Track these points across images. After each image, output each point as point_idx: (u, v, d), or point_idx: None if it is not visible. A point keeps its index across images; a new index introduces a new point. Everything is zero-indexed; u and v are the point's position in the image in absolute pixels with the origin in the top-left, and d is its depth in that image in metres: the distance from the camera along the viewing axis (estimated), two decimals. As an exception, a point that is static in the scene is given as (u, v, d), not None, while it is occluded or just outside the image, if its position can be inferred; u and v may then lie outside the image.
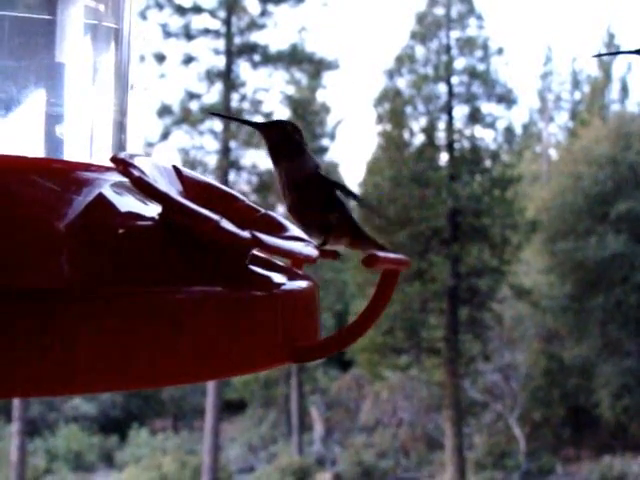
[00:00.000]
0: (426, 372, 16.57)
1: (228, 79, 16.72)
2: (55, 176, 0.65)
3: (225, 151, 16.29)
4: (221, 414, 15.41)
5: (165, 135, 16.80)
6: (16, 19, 0.68)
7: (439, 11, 17.16)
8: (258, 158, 16.25)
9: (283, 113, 17.35)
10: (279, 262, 0.70)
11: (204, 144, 16.93)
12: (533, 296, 16.96)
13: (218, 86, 17.02)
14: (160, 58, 16.91)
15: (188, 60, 16.95)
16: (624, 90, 25.13)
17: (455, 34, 17.17)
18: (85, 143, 0.72)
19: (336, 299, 18.42)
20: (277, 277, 0.64)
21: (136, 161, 0.60)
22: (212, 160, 16.68)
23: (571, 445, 17.08)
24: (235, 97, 16.96)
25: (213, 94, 17.13)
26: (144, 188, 0.57)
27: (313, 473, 16.50)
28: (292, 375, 18.25)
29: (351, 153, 38.78)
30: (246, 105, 17.06)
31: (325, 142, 18.58)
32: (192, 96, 16.97)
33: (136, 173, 0.58)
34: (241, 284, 0.59)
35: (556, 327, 17.69)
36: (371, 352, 16.01)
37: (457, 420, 15.58)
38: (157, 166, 0.65)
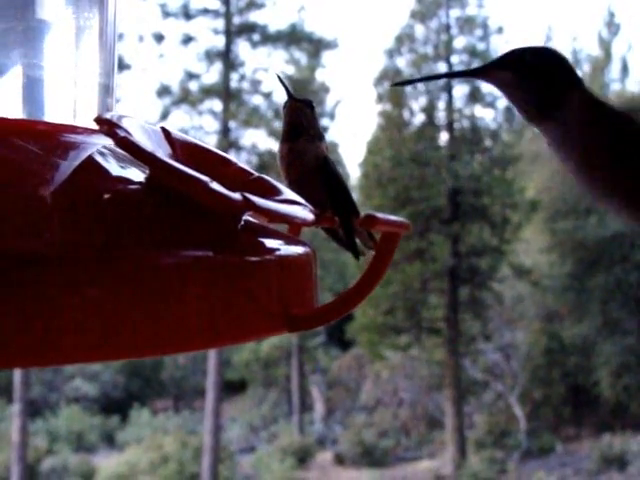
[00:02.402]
0: (426, 352, 16.59)
1: (227, 59, 16.65)
2: (39, 139, 0.62)
3: (225, 131, 16.24)
4: (222, 394, 15.42)
5: (164, 115, 16.75)
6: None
7: (439, -10, 17.07)
8: (258, 138, 16.22)
9: (282, 93, 17.25)
10: (275, 228, 0.67)
11: (203, 124, 16.89)
12: (533, 275, 16.95)
13: (217, 66, 16.95)
14: (159, 38, 16.85)
15: (187, 40, 16.87)
16: (624, 69, 25.02)
17: (455, 13, 17.09)
18: (69, 107, 0.69)
19: (336, 279, 18.41)
20: (271, 242, 0.61)
21: (122, 122, 0.58)
22: (212, 140, 16.62)
23: (571, 424, 17.11)
24: (234, 77, 16.89)
25: (212, 74, 17.06)
26: (129, 148, 0.54)
27: (314, 453, 16.55)
28: (293, 355, 18.27)
29: (351, 133, 38.63)
30: (245, 85, 17.00)
31: (325, 122, 18.53)
32: (191, 76, 16.90)
33: (121, 133, 0.55)
34: (233, 249, 0.56)
35: (556, 306, 17.69)
36: (371, 332, 16.03)
37: (457, 399, 15.62)
38: (145, 128, 0.62)
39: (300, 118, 0.92)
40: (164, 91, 16.75)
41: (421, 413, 17.34)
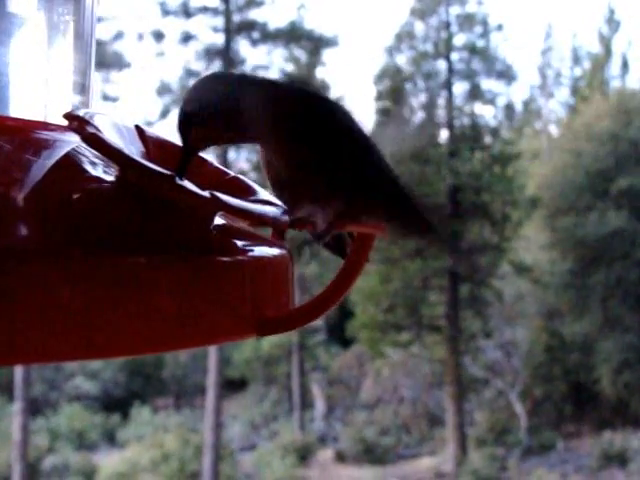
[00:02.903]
0: (427, 349, 16.59)
1: (227, 57, 16.64)
2: (9, 135, 0.61)
3: (224, 129, 16.20)
4: (222, 392, 15.43)
5: (164, 113, 16.76)
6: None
7: (439, -13, 17.05)
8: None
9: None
10: (254, 231, 0.65)
11: (203, 122, 16.84)
12: (534, 273, 16.95)
13: (217, 64, 16.93)
14: (159, 36, 16.85)
15: (187, 38, 16.86)
16: (625, 66, 25.01)
17: (454, 10, 17.09)
18: (40, 104, 0.68)
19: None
20: (245, 244, 0.60)
21: (93, 119, 0.56)
22: (211, 138, 16.58)
23: (572, 421, 17.10)
24: (234, 75, 16.86)
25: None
26: (97, 145, 0.53)
27: (315, 450, 16.55)
28: (293, 353, 18.27)
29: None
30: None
31: (325, 119, 18.47)
32: (191, 74, 16.89)
33: (90, 130, 0.53)
34: (203, 249, 0.55)
35: (557, 303, 17.68)
36: (372, 329, 16.04)
37: (458, 397, 15.62)
38: (117, 125, 0.61)
39: None
40: (164, 89, 16.76)
41: (422, 410, 17.34)
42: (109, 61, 17.11)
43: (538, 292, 17.50)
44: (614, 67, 25.50)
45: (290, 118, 0.61)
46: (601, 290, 16.78)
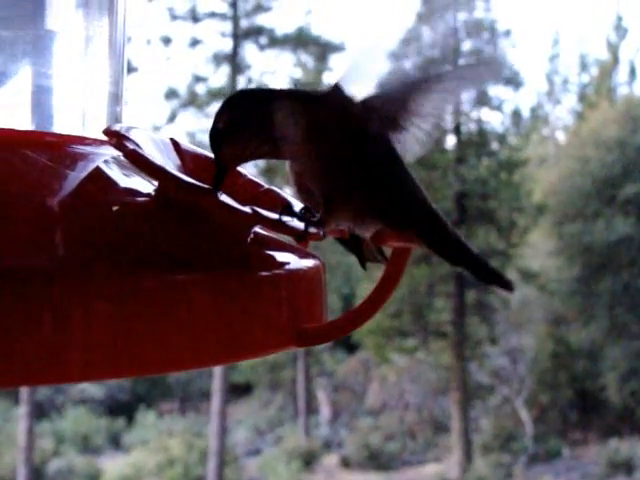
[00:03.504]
0: (433, 355, 16.56)
1: (234, 62, 16.66)
2: (48, 150, 0.62)
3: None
4: (228, 397, 15.41)
5: (172, 118, 16.76)
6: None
7: (446, -7, 17.05)
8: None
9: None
10: (283, 240, 0.66)
11: (211, 127, 16.86)
12: (540, 279, 16.92)
13: (224, 69, 16.96)
14: (166, 41, 16.86)
15: (194, 43, 16.88)
16: (632, 73, 24.98)
17: (462, 16, 17.07)
18: (77, 116, 0.69)
19: (343, 282, 18.38)
20: (280, 256, 0.60)
21: (131, 134, 0.57)
22: (219, 143, 16.59)
23: (578, 428, 17.06)
24: (241, 80, 16.89)
25: (219, 77, 17.06)
26: (138, 162, 0.54)
27: (320, 456, 16.52)
28: (299, 358, 18.25)
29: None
30: (252, 88, 16.99)
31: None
32: (198, 79, 16.91)
33: (130, 146, 0.54)
34: (242, 263, 0.55)
35: (563, 310, 17.64)
36: (378, 335, 16.01)
37: (464, 403, 15.58)
38: (154, 139, 0.61)
39: None
40: (171, 94, 16.76)
41: (427, 417, 17.31)
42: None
43: (544, 299, 17.47)
44: (621, 74, 25.52)
45: (324, 131, 0.61)
46: (608, 297, 16.74)
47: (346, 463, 16.36)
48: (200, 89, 16.87)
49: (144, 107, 17.27)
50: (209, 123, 0.68)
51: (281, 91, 0.65)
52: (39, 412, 15.72)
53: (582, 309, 17.23)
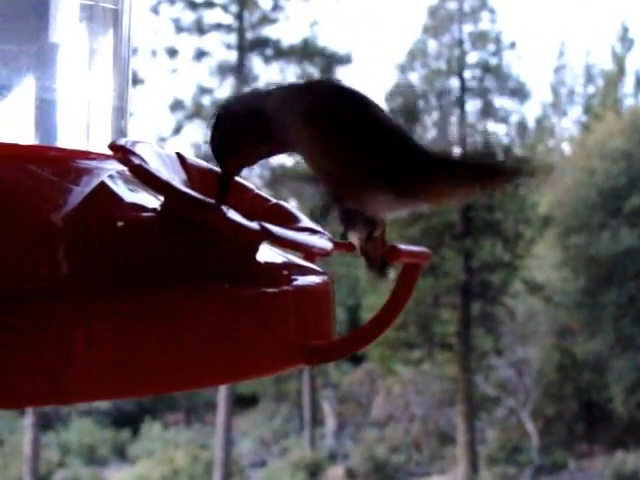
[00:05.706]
0: (438, 367, 16.54)
1: (240, 74, 16.70)
2: (52, 165, 0.61)
3: (237, 145, 16.25)
4: (233, 408, 15.41)
5: (177, 130, 16.80)
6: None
7: (451, 5, 17.07)
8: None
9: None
10: (291, 255, 0.65)
11: (216, 139, 16.89)
12: (546, 291, 16.90)
13: (230, 81, 17.00)
14: (172, 53, 16.92)
15: (200, 55, 16.94)
16: (638, 84, 24.95)
17: (468, 28, 17.10)
18: (82, 130, 0.68)
19: (348, 294, 18.37)
20: (288, 272, 0.60)
21: (136, 148, 0.56)
22: (224, 155, 16.62)
23: (584, 440, 17.00)
24: (247, 92, 16.91)
25: (225, 89, 17.11)
26: (144, 177, 0.53)
27: (325, 467, 16.49)
28: (304, 369, 18.21)
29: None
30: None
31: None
32: (204, 91, 16.97)
33: (135, 160, 0.53)
34: (249, 280, 0.54)
35: (569, 322, 17.61)
36: (383, 347, 15.98)
37: (469, 415, 15.55)
38: (159, 154, 0.61)
39: None
40: (177, 105, 16.81)
41: (433, 428, 17.26)
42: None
43: (550, 310, 17.44)
44: (627, 85, 25.50)
45: (324, 110, 0.61)
46: (613, 309, 16.71)
47: (351, 475, 16.32)
48: (206, 101, 16.92)
49: (150, 119, 17.31)
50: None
51: (267, 87, 0.65)
52: (45, 423, 15.73)
53: (588, 321, 17.19)
